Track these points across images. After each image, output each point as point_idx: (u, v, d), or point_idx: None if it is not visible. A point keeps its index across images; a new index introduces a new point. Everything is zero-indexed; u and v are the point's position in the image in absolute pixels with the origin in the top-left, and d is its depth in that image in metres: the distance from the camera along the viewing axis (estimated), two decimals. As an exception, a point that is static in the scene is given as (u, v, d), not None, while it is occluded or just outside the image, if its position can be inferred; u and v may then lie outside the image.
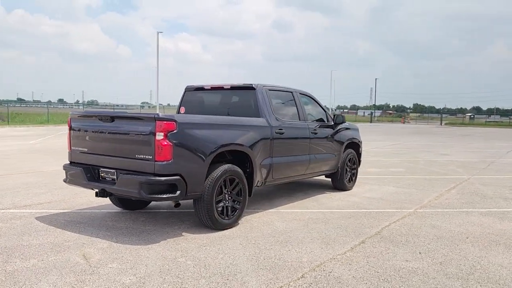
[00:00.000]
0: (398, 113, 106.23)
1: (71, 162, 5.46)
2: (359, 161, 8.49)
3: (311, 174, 7.17)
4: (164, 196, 4.57)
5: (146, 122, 4.60)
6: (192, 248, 4.48)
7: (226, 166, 5.16)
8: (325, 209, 6.44)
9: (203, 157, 4.83)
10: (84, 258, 4.08)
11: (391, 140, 22.92)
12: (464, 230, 5.39)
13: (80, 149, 5.31)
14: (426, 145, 19.87)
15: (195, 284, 3.55)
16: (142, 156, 4.60)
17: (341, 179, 7.78)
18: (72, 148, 5.42)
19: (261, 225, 5.46)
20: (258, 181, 5.79)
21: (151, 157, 4.52)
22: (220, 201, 5.13)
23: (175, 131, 4.55)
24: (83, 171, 5.11)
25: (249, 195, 5.73)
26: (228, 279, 3.66)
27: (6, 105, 51.92)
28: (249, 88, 6.09)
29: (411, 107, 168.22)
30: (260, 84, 6.17)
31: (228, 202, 5.27)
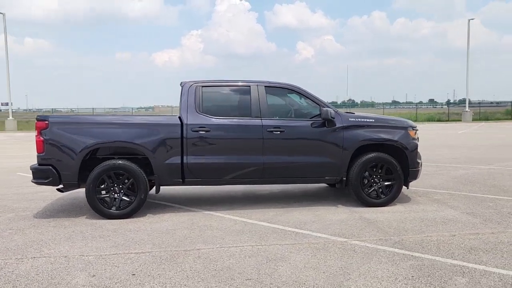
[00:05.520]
0: None
1: None
2: (409, 170, 6.27)
3: (282, 179, 6.17)
4: (39, 181, 5.67)
5: (37, 121, 5.81)
6: (43, 226, 5.38)
7: (111, 162, 5.66)
8: (263, 222, 5.53)
9: (74, 152, 5.57)
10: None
11: None
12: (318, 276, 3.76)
13: None
14: None
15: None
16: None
17: (354, 190, 6.14)
18: None
19: (148, 222, 5.50)
20: (165, 179, 5.81)
21: (38, 150, 5.73)
22: (103, 193, 5.66)
23: (46, 129, 5.57)
24: None
25: (156, 191, 5.90)
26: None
27: (382, 107, 58.24)
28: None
29: None
30: (192, 81, 6.06)
31: (118, 195, 5.71)
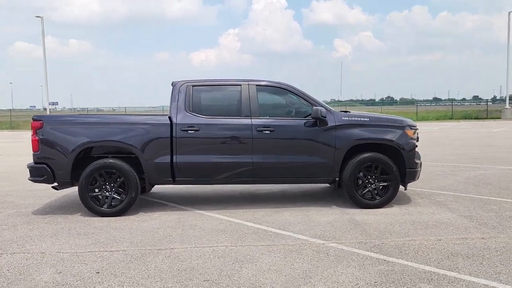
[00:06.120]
0: None
1: None
2: (406, 171, 6.06)
3: (273, 179, 6.10)
4: (35, 179, 5.87)
5: (34, 121, 6.00)
6: (36, 222, 5.58)
7: (102, 161, 5.78)
8: (249, 222, 5.48)
9: (67, 151, 5.72)
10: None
11: None
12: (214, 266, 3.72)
13: None
14: None
15: None
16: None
17: (347, 191, 6.00)
18: None
19: (137, 220, 5.58)
20: (155, 178, 5.88)
21: (34, 148, 5.93)
22: (95, 191, 5.79)
23: (41, 129, 5.76)
24: None
25: (147, 190, 5.98)
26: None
27: (416, 104, 55.59)
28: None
29: None
30: (183, 80, 6.09)
31: (109, 193, 5.83)
